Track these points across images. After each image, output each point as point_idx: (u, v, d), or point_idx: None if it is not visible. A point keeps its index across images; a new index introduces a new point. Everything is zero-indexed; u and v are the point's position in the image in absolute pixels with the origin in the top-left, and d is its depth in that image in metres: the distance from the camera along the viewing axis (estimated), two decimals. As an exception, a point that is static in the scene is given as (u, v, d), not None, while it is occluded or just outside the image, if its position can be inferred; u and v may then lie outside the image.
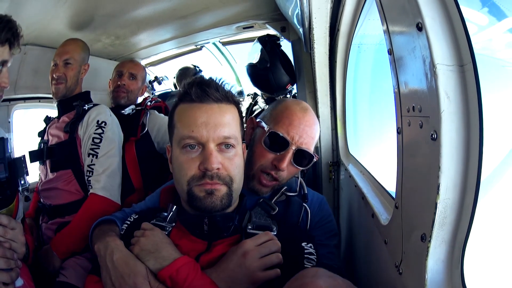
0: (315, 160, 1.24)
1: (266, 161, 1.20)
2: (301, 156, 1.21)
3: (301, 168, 1.23)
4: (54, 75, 1.77)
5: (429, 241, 0.66)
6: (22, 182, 1.15)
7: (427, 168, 0.68)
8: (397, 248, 0.84)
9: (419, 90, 0.71)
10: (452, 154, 0.63)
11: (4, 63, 1.10)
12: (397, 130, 0.85)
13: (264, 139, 1.20)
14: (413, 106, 0.74)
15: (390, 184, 1.17)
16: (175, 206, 1.03)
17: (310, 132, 1.21)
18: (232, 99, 1.00)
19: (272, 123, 1.22)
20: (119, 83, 2.11)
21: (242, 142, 1.04)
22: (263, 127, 1.23)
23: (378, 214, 1.04)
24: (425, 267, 0.68)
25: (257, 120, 1.29)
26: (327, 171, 1.92)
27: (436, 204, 0.64)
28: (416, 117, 0.73)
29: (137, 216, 1.10)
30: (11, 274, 0.98)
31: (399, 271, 0.81)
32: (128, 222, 1.08)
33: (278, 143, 1.19)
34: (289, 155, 1.18)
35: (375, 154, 1.67)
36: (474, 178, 0.63)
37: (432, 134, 0.65)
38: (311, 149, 1.22)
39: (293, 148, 1.19)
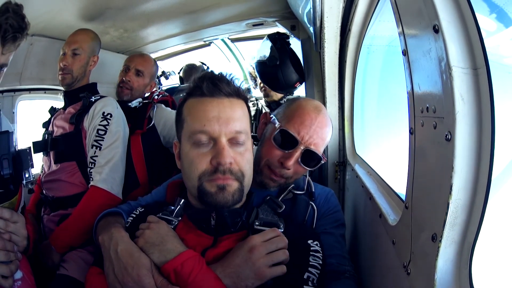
0: (322, 162, 1.23)
1: (273, 158, 1.19)
2: (309, 156, 1.19)
3: (308, 169, 1.22)
4: (61, 64, 1.76)
5: (440, 241, 0.67)
6: (27, 175, 1.13)
7: (440, 168, 0.68)
8: (405, 248, 0.84)
9: (433, 91, 0.71)
10: (465, 155, 0.63)
11: None
12: (409, 130, 0.85)
13: (274, 135, 1.19)
14: (427, 107, 0.74)
15: (396, 184, 1.17)
16: (182, 200, 1.02)
17: (321, 133, 1.20)
18: (242, 94, 1.00)
19: (284, 120, 1.22)
20: (124, 78, 2.04)
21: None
22: (274, 124, 1.23)
23: (386, 215, 1.04)
24: (435, 267, 0.68)
25: (271, 116, 1.29)
26: (333, 171, 1.91)
27: (448, 204, 0.64)
28: (430, 118, 0.73)
29: (143, 209, 1.10)
30: (10, 266, 0.97)
31: (407, 271, 0.81)
32: (134, 215, 1.08)
33: (287, 141, 1.18)
34: (296, 154, 1.17)
35: (382, 154, 1.67)
36: (485, 179, 0.63)
37: (446, 135, 0.65)
38: (320, 151, 1.21)
39: (302, 147, 1.17)
